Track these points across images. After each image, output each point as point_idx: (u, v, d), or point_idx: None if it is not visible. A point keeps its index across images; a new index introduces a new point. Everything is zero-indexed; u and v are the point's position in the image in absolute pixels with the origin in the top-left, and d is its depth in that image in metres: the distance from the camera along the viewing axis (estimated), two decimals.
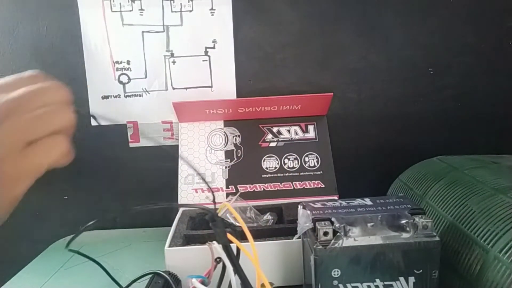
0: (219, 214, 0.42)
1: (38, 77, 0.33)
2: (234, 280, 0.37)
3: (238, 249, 0.40)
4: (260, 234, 0.56)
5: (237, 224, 0.58)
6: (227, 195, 0.69)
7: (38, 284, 0.59)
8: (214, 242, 0.41)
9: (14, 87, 0.31)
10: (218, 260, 0.41)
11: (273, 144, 0.73)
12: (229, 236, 0.38)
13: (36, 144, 0.30)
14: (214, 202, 0.44)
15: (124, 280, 0.50)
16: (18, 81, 0.32)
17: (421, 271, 0.41)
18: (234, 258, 0.38)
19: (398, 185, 0.65)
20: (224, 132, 0.73)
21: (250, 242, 0.39)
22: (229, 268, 0.38)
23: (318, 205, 0.46)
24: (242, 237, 0.40)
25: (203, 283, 0.41)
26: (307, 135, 0.73)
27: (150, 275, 0.48)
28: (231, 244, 0.39)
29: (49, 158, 0.31)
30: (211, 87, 0.77)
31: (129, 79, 0.76)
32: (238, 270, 0.37)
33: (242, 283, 0.37)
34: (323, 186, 0.70)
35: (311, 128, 0.73)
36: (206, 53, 0.75)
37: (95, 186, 0.79)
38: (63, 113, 0.32)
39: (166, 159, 0.77)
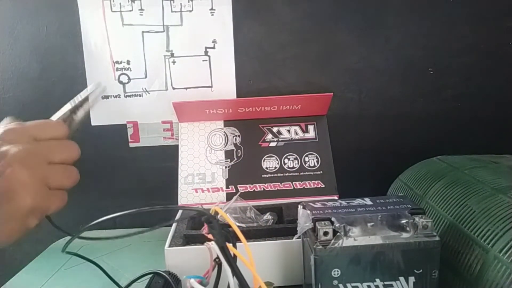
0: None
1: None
2: (232, 281, 0.37)
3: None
4: (260, 234, 0.56)
5: (237, 224, 0.58)
6: (227, 195, 0.69)
7: (38, 284, 0.59)
8: (212, 242, 0.41)
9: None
10: (217, 260, 0.41)
11: (273, 144, 0.73)
12: (227, 244, 0.38)
13: (55, 166, 0.36)
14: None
15: (124, 280, 0.50)
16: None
17: (421, 271, 0.41)
18: (232, 260, 0.38)
19: (398, 185, 0.65)
20: (224, 132, 0.73)
21: (245, 247, 0.38)
22: (227, 269, 0.38)
23: (318, 205, 0.46)
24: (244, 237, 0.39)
25: (201, 283, 0.40)
26: (307, 135, 0.73)
27: (150, 275, 0.48)
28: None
29: (67, 181, 0.37)
30: (211, 87, 0.77)
31: (129, 79, 0.76)
32: (235, 271, 0.37)
33: (240, 284, 0.37)
34: (323, 186, 0.70)
35: (311, 128, 0.73)
36: (206, 53, 0.75)
37: (95, 186, 0.79)
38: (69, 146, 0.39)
39: (166, 159, 0.77)
